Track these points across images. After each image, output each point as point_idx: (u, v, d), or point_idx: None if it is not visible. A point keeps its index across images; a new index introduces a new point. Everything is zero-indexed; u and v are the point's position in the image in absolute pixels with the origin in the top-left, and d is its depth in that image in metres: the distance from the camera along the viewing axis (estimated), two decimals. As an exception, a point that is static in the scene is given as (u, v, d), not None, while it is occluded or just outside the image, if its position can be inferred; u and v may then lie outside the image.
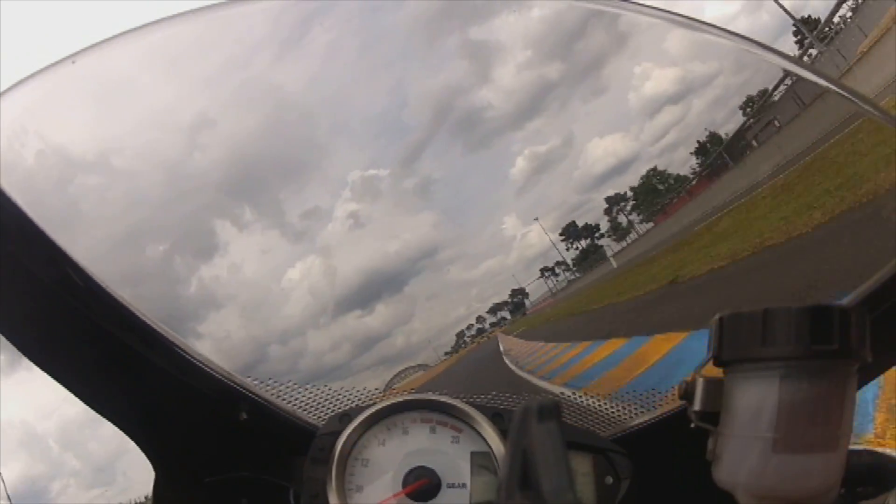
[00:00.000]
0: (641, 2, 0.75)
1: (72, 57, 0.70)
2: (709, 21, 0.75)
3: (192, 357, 0.74)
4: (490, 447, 0.80)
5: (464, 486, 0.78)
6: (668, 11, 0.74)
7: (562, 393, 0.95)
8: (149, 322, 0.70)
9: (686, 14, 0.74)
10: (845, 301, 0.70)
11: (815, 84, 0.74)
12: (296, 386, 0.90)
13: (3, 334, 0.68)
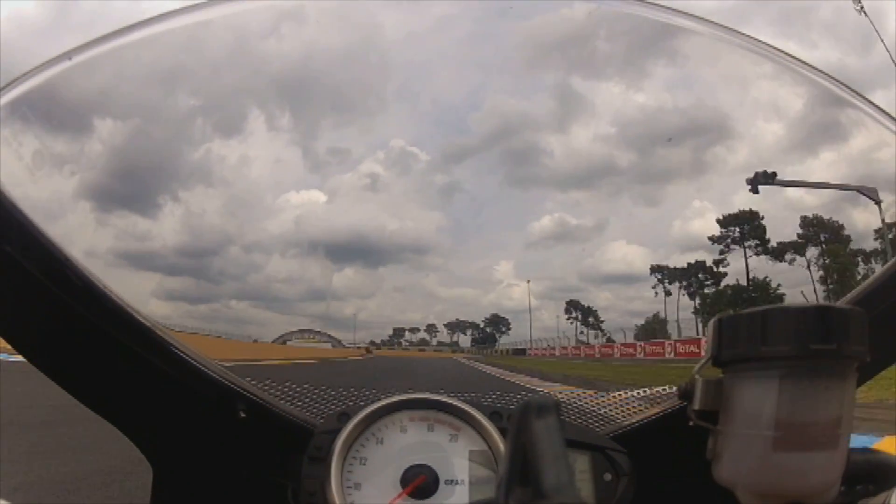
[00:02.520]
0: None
1: (68, 53, 0.70)
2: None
3: (190, 356, 0.74)
4: (488, 445, 0.80)
5: (462, 483, 0.78)
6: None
7: (561, 391, 0.95)
8: (146, 322, 0.70)
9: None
10: (844, 301, 0.71)
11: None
12: (293, 385, 0.90)
13: (2, 334, 0.68)
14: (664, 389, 0.91)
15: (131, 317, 0.69)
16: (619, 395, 0.95)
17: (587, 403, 0.95)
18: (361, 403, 0.84)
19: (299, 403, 0.89)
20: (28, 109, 0.72)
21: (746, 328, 0.50)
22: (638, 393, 0.94)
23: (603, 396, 0.95)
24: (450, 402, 0.83)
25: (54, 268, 0.64)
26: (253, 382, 0.84)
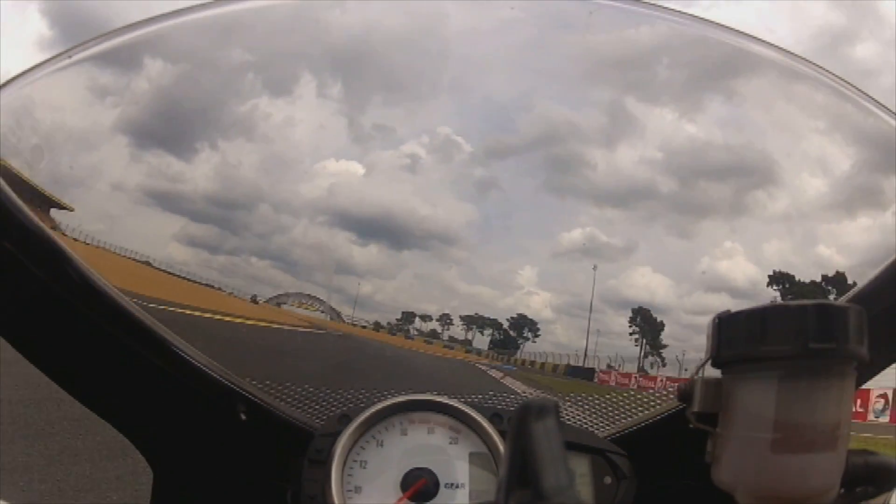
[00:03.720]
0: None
1: (69, 52, 0.70)
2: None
3: (191, 358, 0.74)
4: (489, 447, 0.80)
5: (462, 486, 0.78)
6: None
7: (561, 394, 0.95)
8: (148, 322, 0.70)
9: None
10: (844, 300, 0.70)
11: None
12: (293, 387, 0.90)
13: (2, 333, 0.68)
14: (664, 392, 0.91)
15: (133, 316, 0.69)
16: (620, 397, 0.95)
17: (587, 406, 0.95)
18: (361, 406, 0.84)
19: (299, 405, 0.89)
20: (30, 107, 0.72)
21: (746, 327, 0.50)
22: (638, 395, 0.94)
23: (603, 399, 0.95)
24: (450, 404, 0.83)
25: (55, 266, 0.64)
26: (253, 383, 0.84)
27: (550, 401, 0.46)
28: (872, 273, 0.72)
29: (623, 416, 0.92)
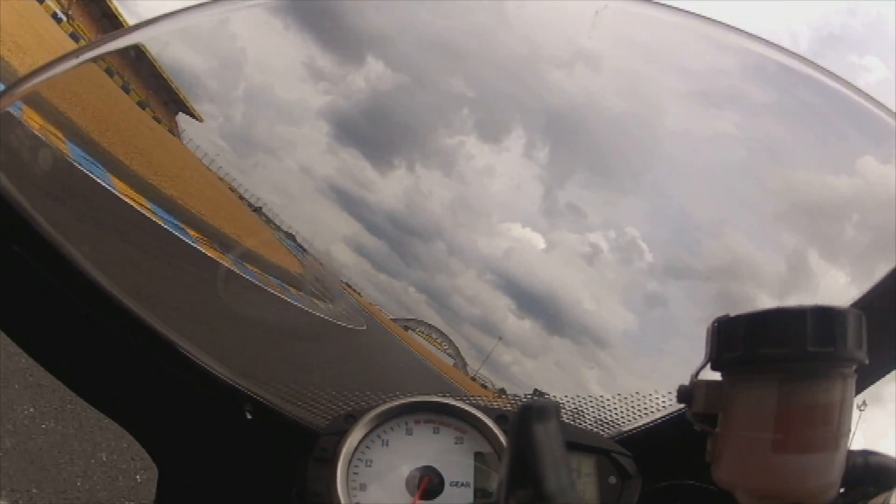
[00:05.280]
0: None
1: (75, 52, 0.70)
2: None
3: (197, 358, 0.75)
4: (494, 448, 0.81)
5: (467, 485, 0.78)
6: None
7: (565, 394, 0.95)
8: (154, 323, 0.71)
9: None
10: (843, 303, 0.71)
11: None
12: (298, 386, 0.91)
13: (8, 333, 0.69)
14: (669, 393, 0.91)
15: (139, 317, 0.70)
16: (625, 398, 0.95)
17: (592, 407, 0.95)
18: (367, 405, 0.84)
19: (304, 405, 0.90)
20: (36, 107, 0.73)
21: (745, 330, 0.50)
22: (644, 396, 0.94)
23: (608, 400, 0.95)
24: (456, 404, 0.83)
25: (62, 268, 0.65)
26: (259, 383, 0.84)
27: (551, 402, 0.47)
28: (873, 278, 0.72)
29: (628, 417, 0.93)
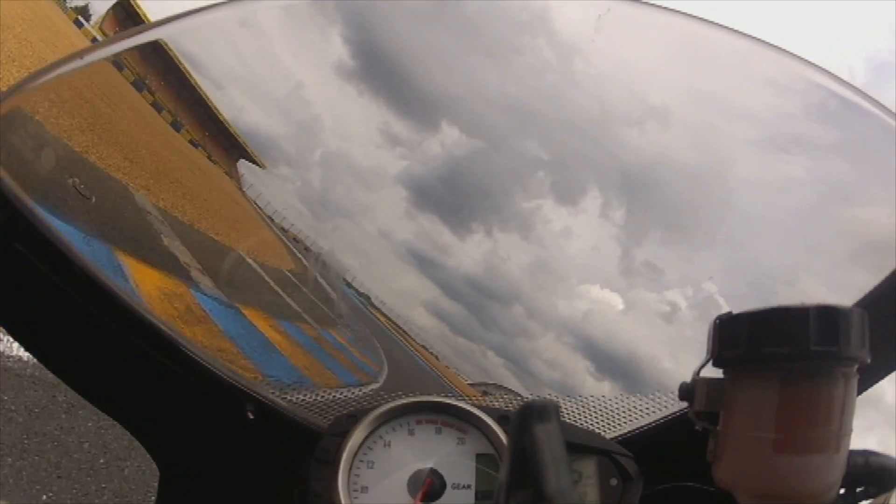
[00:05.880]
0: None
1: (80, 53, 0.70)
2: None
3: (199, 357, 0.75)
4: (496, 449, 0.81)
5: (469, 487, 0.78)
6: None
7: (567, 395, 0.95)
8: (156, 322, 0.71)
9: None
10: (846, 303, 0.70)
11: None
12: (299, 387, 0.91)
13: (10, 332, 0.69)
14: (672, 393, 0.90)
15: (141, 316, 0.70)
16: (626, 399, 0.95)
17: (593, 408, 0.95)
18: (369, 406, 0.84)
19: (307, 406, 0.90)
20: (39, 108, 0.73)
21: (747, 329, 0.50)
22: (645, 397, 0.94)
23: (609, 401, 0.95)
24: (458, 405, 0.83)
25: (64, 266, 0.65)
26: (261, 383, 0.84)
27: (551, 402, 0.47)
28: (876, 278, 0.72)
29: (630, 417, 0.92)
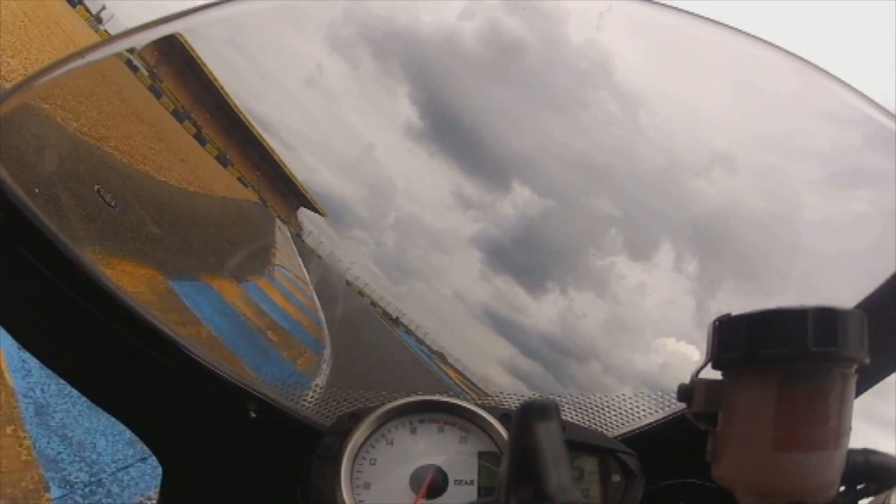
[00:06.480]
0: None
1: (81, 52, 0.70)
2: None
3: (200, 357, 0.75)
4: (498, 447, 0.81)
5: (471, 483, 0.78)
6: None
7: (569, 393, 0.96)
8: (157, 322, 0.71)
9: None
10: (845, 304, 0.70)
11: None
12: (303, 385, 0.91)
13: (12, 333, 0.70)
14: (673, 392, 0.91)
15: (143, 317, 0.70)
16: (628, 397, 0.95)
17: (595, 406, 0.95)
18: (371, 405, 0.85)
19: (309, 404, 0.90)
20: (41, 108, 0.73)
21: (746, 330, 0.50)
22: (647, 395, 0.94)
23: (611, 399, 0.95)
24: (460, 404, 0.84)
25: (66, 268, 0.65)
26: (263, 383, 0.85)
27: (552, 401, 0.47)
28: (877, 281, 0.72)
29: (632, 416, 0.93)
